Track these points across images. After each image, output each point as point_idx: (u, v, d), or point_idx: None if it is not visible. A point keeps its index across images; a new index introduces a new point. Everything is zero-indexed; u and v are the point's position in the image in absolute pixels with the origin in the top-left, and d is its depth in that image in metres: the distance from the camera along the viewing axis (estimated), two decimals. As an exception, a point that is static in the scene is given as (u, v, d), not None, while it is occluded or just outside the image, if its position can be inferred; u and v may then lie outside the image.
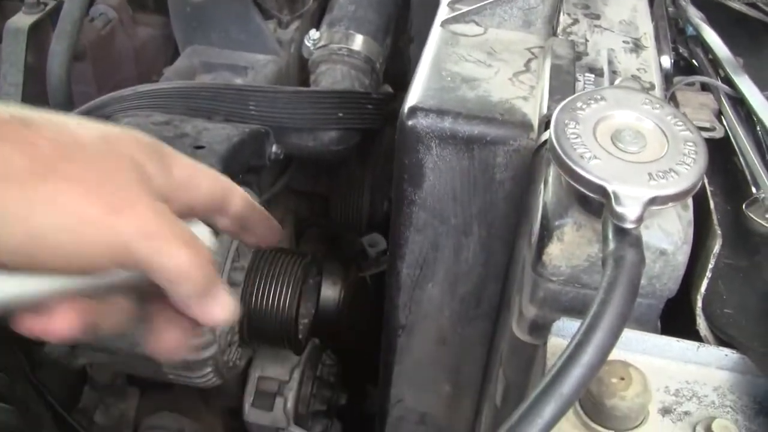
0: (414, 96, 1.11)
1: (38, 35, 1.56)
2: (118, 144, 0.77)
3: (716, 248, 0.93)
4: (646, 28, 1.25)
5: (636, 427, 0.74)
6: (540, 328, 0.90)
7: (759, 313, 0.90)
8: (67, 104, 1.53)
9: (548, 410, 0.64)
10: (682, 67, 1.36)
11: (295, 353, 1.53)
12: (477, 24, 1.27)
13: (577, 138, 0.80)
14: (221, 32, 1.70)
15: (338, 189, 1.93)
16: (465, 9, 1.27)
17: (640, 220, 0.74)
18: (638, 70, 1.15)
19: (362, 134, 1.64)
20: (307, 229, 2.01)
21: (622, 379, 0.72)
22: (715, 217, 0.98)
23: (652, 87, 1.11)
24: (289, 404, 1.61)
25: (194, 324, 0.81)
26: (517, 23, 1.26)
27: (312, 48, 1.70)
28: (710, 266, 0.92)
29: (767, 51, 1.41)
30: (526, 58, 1.21)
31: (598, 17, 1.26)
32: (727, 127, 1.17)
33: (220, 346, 1.29)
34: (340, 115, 1.56)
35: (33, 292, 0.71)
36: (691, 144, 0.81)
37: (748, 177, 1.07)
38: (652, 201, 0.75)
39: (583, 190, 0.78)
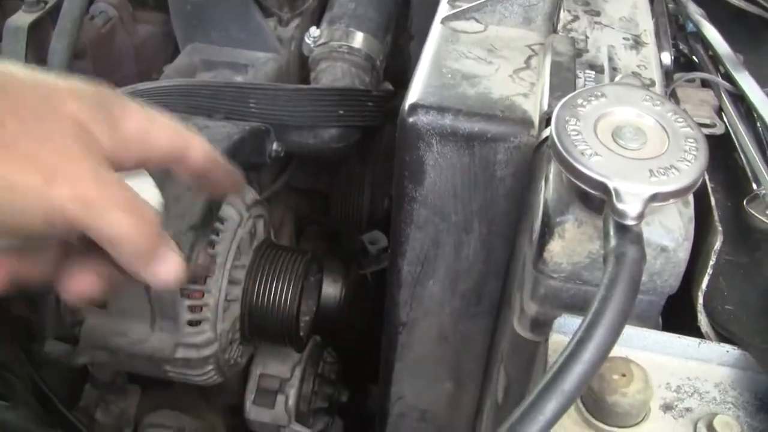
0: (415, 93, 1.11)
1: (38, 33, 1.56)
2: (59, 104, 0.76)
3: (717, 245, 0.93)
4: (646, 25, 1.25)
5: (637, 423, 0.75)
6: (541, 325, 0.90)
7: (760, 310, 0.90)
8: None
9: (550, 407, 0.64)
10: (683, 63, 1.36)
11: (296, 351, 1.53)
12: (477, 21, 1.27)
13: (577, 135, 0.80)
14: (221, 30, 1.70)
15: (338, 186, 1.93)
16: (465, 6, 1.26)
17: (641, 216, 0.74)
18: (638, 66, 1.15)
19: (362, 132, 1.64)
20: (308, 227, 2.01)
21: (624, 375, 0.72)
22: (716, 213, 0.98)
23: (653, 83, 1.11)
24: (291, 402, 1.61)
25: (113, 272, 0.81)
26: (517, 20, 1.26)
27: (312, 45, 1.70)
28: (711, 263, 0.92)
29: (767, 47, 1.41)
30: (527, 55, 1.21)
31: (598, 14, 1.26)
32: (727, 124, 1.17)
33: (221, 343, 1.29)
34: (341, 112, 1.56)
35: None
36: (691, 140, 0.81)
37: (749, 173, 1.07)
38: (653, 198, 0.75)
39: (584, 186, 0.78)
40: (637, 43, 1.20)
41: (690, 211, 0.85)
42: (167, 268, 0.81)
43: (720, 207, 1.00)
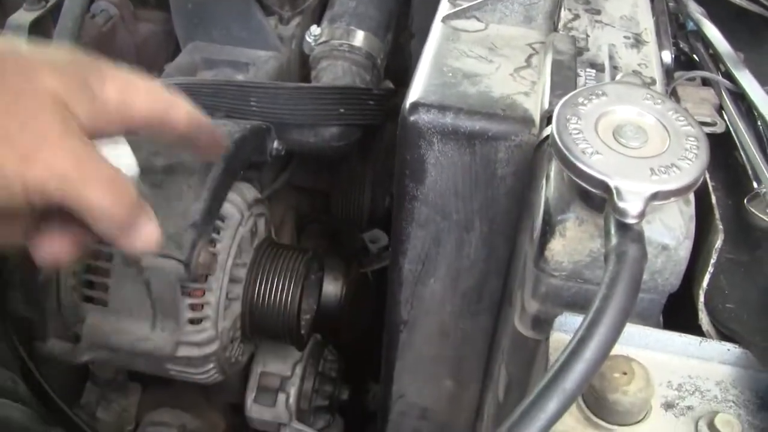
0: (416, 92, 1.11)
1: (39, 32, 1.56)
2: (37, 78, 0.77)
3: (718, 243, 0.94)
4: (646, 23, 1.25)
5: (639, 421, 0.75)
6: (542, 323, 0.90)
7: (761, 308, 0.91)
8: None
9: (551, 405, 0.64)
10: (683, 62, 1.36)
11: (297, 349, 1.54)
12: (478, 20, 1.27)
13: (578, 133, 0.81)
14: (222, 28, 1.70)
15: (339, 185, 1.93)
16: (466, 5, 1.27)
17: (642, 215, 0.74)
18: (639, 65, 1.15)
19: (363, 130, 1.64)
20: (309, 225, 2.01)
21: (625, 373, 0.72)
22: (716, 212, 0.98)
23: (653, 82, 1.11)
24: (291, 400, 1.61)
25: (87, 237, 0.84)
26: (518, 19, 1.26)
27: (313, 44, 1.70)
28: (712, 261, 0.93)
29: (767, 46, 1.41)
30: (527, 53, 1.21)
31: (598, 12, 1.26)
32: (728, 122, 1.17)
33: (222, 342, 1.29)
34: (342, 111, 1.56)
35: None
36: (692, 139, 0.81)
37: (749, 172, 1.08)
38: (654, 196, 0.76)
39: (585, 185, 0.78)
40: (637, 42, 1.20)
41: (691, 209, 0.85)
42: (144, 236, 0.84)
43: (721, 205, 1.01)
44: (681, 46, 1.38)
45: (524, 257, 0.98)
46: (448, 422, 1.46)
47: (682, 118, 0.83)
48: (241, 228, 1.31)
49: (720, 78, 1.25)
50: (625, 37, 1.21)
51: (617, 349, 0.69)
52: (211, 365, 1.31)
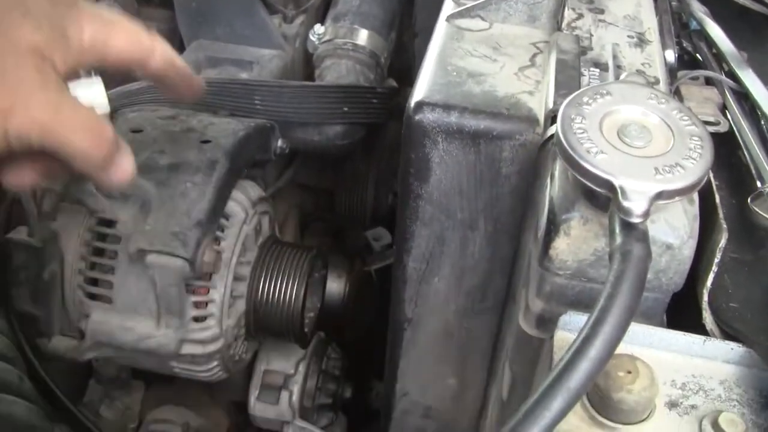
0: (420, 91, 1.11)
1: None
2: (14, 30, 0.81)
3: (722, 242, 0.94)
4: (650, 23, 1.25)
5: (643, 420, 0.75)
6: (547, 322, 0.90)
7: (764, 307, 0.91)
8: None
9: (556, 404, 0.64)
10: (686, 61, 1.36)
11: (300, 347, 1.54)
12: (482, 19, 1.27)
13: (583, 133, 0.81)
14: (226, 27, 1.70)
15: (343, 183, 1.94)
16: (470, 4, 1.27)
17: (646, 214, 0.75)
18: (643, 64, 1.15)
19: (367, 128, 1.65)
20: (312, 223, 2.01)
21: (629, 372, 0.73)
22: (720, 211, 0.98)
23: (657, 81, 1.11)
24: (295, 398, 1.61)
25: (55, 169, 0.89)
26: (522, 18, 1.26)
27: (317, 43, 1.71)
28: (716, 260, 0.93)
29: (771, 45, 1.41)
30: (532, 52, 1.21)
31: (602, 12, 1.26)
32: (731, 121, 1.17)
33: (226, 339, 1.30)
34: (345, 109, 1.56)
35: None
36: (696, 138, 0.81)
37: (753, 171, 1.08)
38: (659, 195, 0.76)
39: (589, 184, 0.78)
40: (641, 41, 1.20)
41: (695, 208, 0.85)
42: (121, 171, 0.90)
43: (724, 205, 1.01)
44: (684, 45, 1.39)
45: (529, 256, 0.99)
46: (452, 421, 1.46)
47: (686, 118, 0.84)
48: (245, 226, 1.32)
49: (723, 77, 1.26)
50: (628, 36, 1.21)
51: (621, 348, 0.69)
52: (215, 363, 1.32)
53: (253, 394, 1.62)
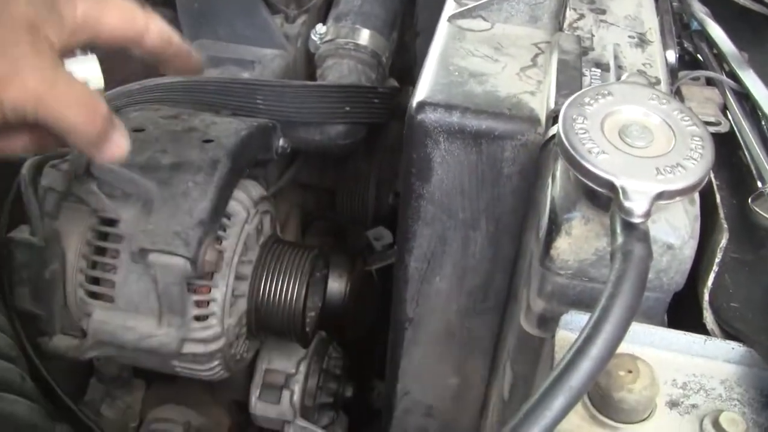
0: (422, 91, 1.11)
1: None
2: (11, 10, 0.82)
3: (723, 242, 0.94)
4: (651, 23, 1.25)
5: (644, 419, 0.75)
6: (548, 322, 0.90)
7: (765, 307, 0.91)
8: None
9: (557, 403, 0.64)
10: (687, 61, 1.36)
11: (302, 346, 1.54)
12: (484, 19, 1.27)
13: (585, 133, 0.81)
14: (228, 27, 1.70)
15: (344, 183, 1.94)
16: (472, 4, 1.27)
17: (647, 214, 0.75)
18: (644, 64, 1.15)
19: (368, 128, 1.65)
20: (313, 222, 2.02)
21: (630, 372, 0.73)
22: (721, 211, 0.98)
23: (658, 82, 1.11)
24: (296, 397, 1.61)
25: (48, 142, 0.91)
26: (523, 18, 1.26)
27: (318, 42, 1.71)
28: (717, 260, 0.93)
29: (772, 45, 1.41)
30: (533, 53, 1.21)
31: (603, 12, 1.26)
32: (732, 122, 1.18)
33: (227, 339, 1.30)
34: (347, 109, 1.57)
35: None
36: (697, 139, 0.81)
37: (754, 171, 1.08)
38: (660, 195, 0.76)
39: (591, 184, 0.79)
40: (642, 42, 1.20)
41: (696, 209, 0.86)
42: (115, 147, 0.91)
43: (725, 205, 1.01)
44: (685, 45, 1.39)
45: (530, 256, 0.99)
46: (453, 420, 1.47)
47: (687, 118, 0.84)
48: (247, 225, 1.32)
49: (724, 77, 1.26)
50: (629, 36, 1.21)
51: (622, 348, 0.69)
52: (217, 362, 1.32)
53: (255, 393, 1.62)
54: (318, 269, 1.46)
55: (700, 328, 0.88)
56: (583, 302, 0.87)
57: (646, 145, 0.81)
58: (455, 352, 1.35)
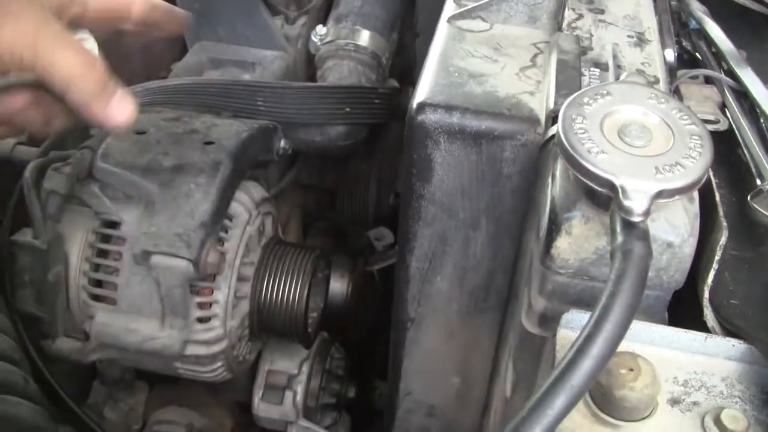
0: (422, 92, 1.11)
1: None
2: None
3: (722, 240, 0.94)
4: (649, 22, 1.26)
5: (645, 417, 0.75)
6: (549, 321, 0.91)
7: (765, 304, 0.91)
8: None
9: (559, 402, 0.64)
10: (686, 60, 1.36)
11: (304, 347, 1.54)
12: (483, 20, 1.27)
13: (584, 133, 0.81)
14: (229, 28, 1.70)
15: (345, 183, 1.94)
16: (471, 5, 1.27)
17: (647, 213, 0.75)
18: (643, 64, 1.15)
19: (369, 129, 1.65)
20: (314, 223, 2.02)
21: (631, 370, 0.73)
22: (720, 209, 0.99)
23: (657, 81, 1.11)
24: (299, 398, 1.61)
25: (54, 111, 0.92)
26: (522, 19, 1.27)
27: (319, 44, 1.71)
28: (717, 258, 0.93)
29: (770, 43, 1.42)
30: (532, 53, 1.21)
31: (602, 12, 1.26)
32: (731, 120, 1.18)
33: (230, 340, 1.30)
34: (348, 110, 1.57)
35: None
36: (696, 137, 0.82)
37: (753, 169, 1.08)
38: (659, 194, 0.76)
39: (590, 184, 0.79)
40: (641, 41, 1.20)
41: (695, 207, 0.86)
42: (121, 108, 0.91)
43: (724, 203, 1.01)
44: (684, 44, 1.39)
45: (530, 255, 0.99)
46: (456, 420, 1.47)
47: (685, 117, 0.84)
48: (248, 227, 1.32)
49: (723, 76, 1.26)
50: (628, 36, 1.21)
51: (623, 346, 0.69)
52: (220, 363, 1.32)
53: (257, 394, 1.62)
54: (320, 270, 1.47)
55: (701, 326, 0.88)
56: (584, 301, 0.88)
57: (645, 145, 0.81)
58: (457, 351, 1.35)
